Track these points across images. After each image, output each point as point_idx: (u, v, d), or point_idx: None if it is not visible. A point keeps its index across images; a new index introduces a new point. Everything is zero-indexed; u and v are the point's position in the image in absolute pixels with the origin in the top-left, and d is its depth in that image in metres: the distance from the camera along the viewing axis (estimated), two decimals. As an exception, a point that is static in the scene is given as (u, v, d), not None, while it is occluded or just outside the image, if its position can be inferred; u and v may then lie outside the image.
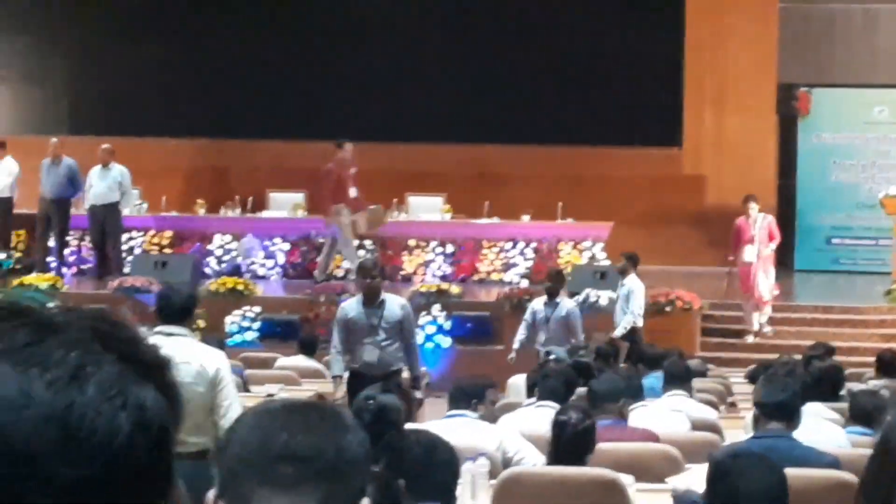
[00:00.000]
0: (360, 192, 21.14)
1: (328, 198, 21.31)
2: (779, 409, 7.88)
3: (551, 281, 17.81)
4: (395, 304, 13.54)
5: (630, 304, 18.17)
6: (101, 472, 1.36)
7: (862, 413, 9.91)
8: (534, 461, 8.34)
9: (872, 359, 18.37)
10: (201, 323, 19.75)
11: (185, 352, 8.74)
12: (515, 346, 17.78)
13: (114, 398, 1.38)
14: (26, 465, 1.33)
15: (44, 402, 1.34)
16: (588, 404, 9.26)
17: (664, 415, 10.13)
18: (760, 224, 20.58)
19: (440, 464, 5.82)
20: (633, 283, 18.46)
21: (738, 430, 10.03)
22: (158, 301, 9.87)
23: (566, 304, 17.57)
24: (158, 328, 9.43)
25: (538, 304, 17.67)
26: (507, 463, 8.36)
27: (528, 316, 17.80)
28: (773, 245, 20.79)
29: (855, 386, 11.86)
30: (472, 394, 9.35)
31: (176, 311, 9.46)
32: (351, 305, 13.71)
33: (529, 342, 17.56)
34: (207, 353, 9.29)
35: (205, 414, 8.77)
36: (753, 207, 20.68)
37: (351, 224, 21.05)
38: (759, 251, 20.32)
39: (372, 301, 13.30)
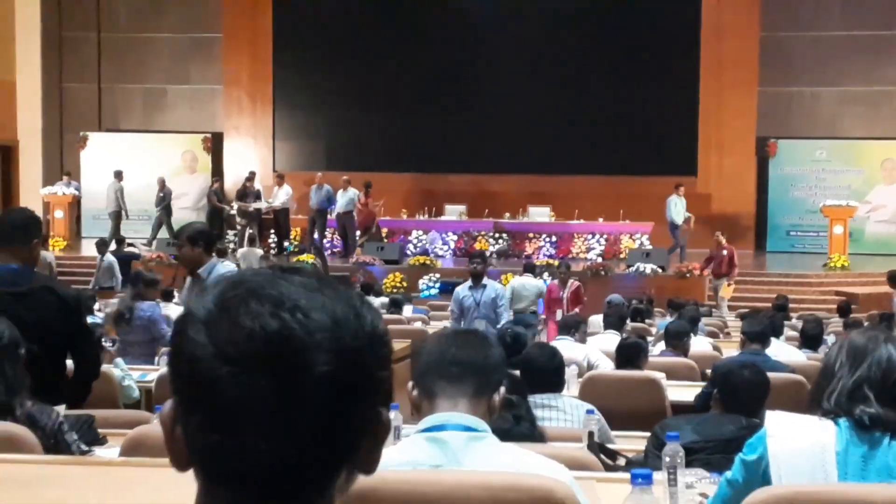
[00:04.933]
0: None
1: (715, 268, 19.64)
2: (757, 336, 7.82)
3: (478, 262, 11.56)
4: (492, 288, 11.06)
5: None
6: (389, 371, 1.29)
7: (809, 339, 9.82)
8: (605, 366, 8.37)
9: (817, 306, 18.23)
10: (405, 283, 20.05)
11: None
12: None
13: (381, 317, 1.30)
14: (360, 369, 1.24)
15: (363, 319, 1.26)
16: (665, 339, 9.31)
17: (699, 343, 10.12)
18: None
19: (556, 366, 5.90)
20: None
21: (730, 349, 9.94)
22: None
23: (493, 285, 11.62)
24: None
25: (463, 290, 11.50)
26: (591, 367, 8.40)
27: (454, 307, 11.60)
28: None
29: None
30: (572, 325, 9.44)
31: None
32: (462, 287, 11.32)
33: None
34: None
35: None
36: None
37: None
38: None
39: (476, 283, 11.05)
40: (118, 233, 22.82)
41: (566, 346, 8.28)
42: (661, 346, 9.46)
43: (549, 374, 5.83)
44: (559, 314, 14.24)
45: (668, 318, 12.12)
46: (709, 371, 7.80)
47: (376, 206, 22.59)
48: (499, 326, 10.66)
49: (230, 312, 1.22)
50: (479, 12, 25.07)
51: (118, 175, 23.85)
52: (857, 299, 18.21)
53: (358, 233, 22.59)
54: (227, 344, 1.20)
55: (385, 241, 22.71)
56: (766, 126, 24.94)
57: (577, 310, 14.17)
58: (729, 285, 19.33)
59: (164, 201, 23.91)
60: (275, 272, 1.28)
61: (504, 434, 3.17)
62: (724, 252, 19.36)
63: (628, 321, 11.72)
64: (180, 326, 1.26)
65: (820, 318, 11.71)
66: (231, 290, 1.25)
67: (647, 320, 13.53)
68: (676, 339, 9.01)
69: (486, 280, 11.45)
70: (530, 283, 15.15)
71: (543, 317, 14.85)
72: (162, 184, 23.99)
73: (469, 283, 11.43)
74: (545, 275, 18.11)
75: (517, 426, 4.31)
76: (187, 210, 25.91)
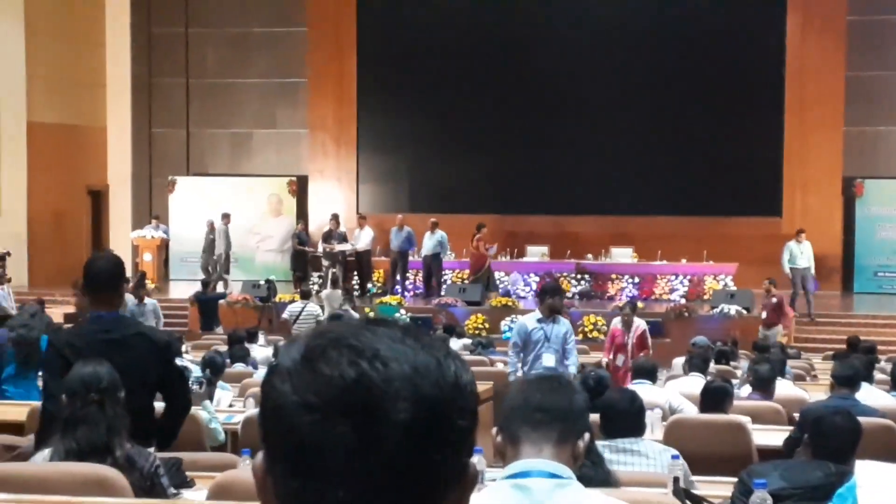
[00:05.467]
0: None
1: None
2: (847, 381, 7.70)
3: (557, 297, 10.78)
4: (563, 322, 10.46)
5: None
6: (472, 422, 1.28)
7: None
8: (689, 410, 8.28)
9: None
10: (487, 324, 20.05)
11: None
12: (511, 377, 10.41)
13: (466, 367, 1.31)
14: (438, 417, 1.24)
15: (445, 369, 1.27)
16: (751, 383, 9.15)
17: (785, 386, 9.92)
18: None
19: (637, 410, 5.85)
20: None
21: (818, 393, 9.78)
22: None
23: (563, 320, 10.69)
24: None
25: (531, 322, 10.51)
26: (673, 412, 8.31)
27: (517, 339, 10.59)
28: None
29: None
30: (650, 369, 9.35)
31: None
32: (529, 319, 10.58)
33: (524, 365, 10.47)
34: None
35: None
36: None
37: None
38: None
39: (548, 316, 10.37)
40: (227, 273, 23.27)
41: (646, 391, 8.22)
42: (747, 388, 9.33)
43: (630, 418, 5.79)
44: (620, 359, 13.17)
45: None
46: (796, 415, 7.69)
47: (487, 248, 22.32)
48: (568, 363, 10.33)
49: (312, 362, 1.25)
50: (560, 56, 25.08)
51: (225, 217, 24.05)
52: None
53: (442, 276, 22.66)
54: (308, 392, 1.23)
55: (467, 282, 22.70)
56: (851, 166, 24.63)
57: (642, 355, 12.67)
58: (785, 335, 18.33)
59: (214, 245, 23.99)
60: (361, 323, 1.31)
61: (587, 480, 3.17)
62: (774, 300, 18.65)
63: (712, 363, 11.58)
64: (268, 377, 1.29)
65: (910, 360, 11.47)
66: (315, 341, 1.28)
67: (731, 363, 13.36)
68: (765, 384, 8.87)
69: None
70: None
71: (605, 360, 13.87)
72: (211, 226, 24.06)
73: (537, 315, 10.60)
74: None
75: (596, 472, 4.28)
76: (272, 252, 26.24)
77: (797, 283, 20.72)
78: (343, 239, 23.08)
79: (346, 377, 1.23)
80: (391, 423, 1.22)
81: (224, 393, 9.18)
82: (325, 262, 22.95)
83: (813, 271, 21.19)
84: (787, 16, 24.71)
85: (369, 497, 1.23)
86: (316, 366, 1.25)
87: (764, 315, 18.73)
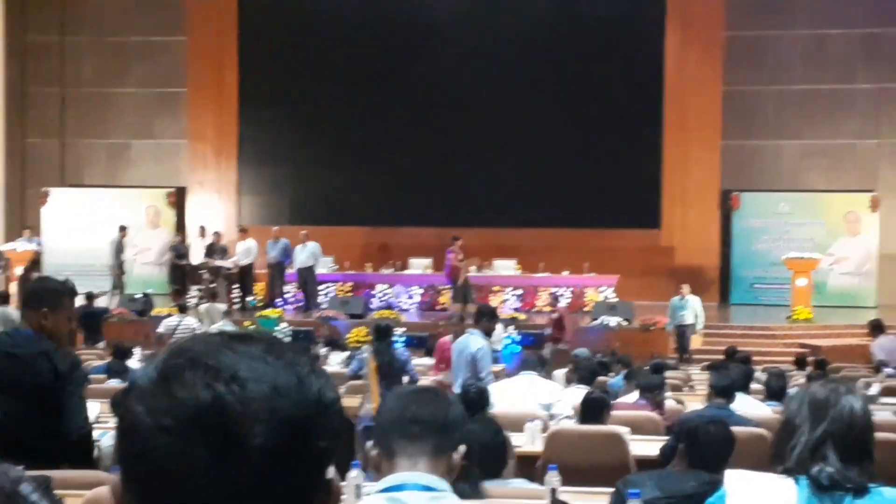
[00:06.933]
0: None
1: None
2: (722, 390, 7.82)
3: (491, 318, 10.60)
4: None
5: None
6: (334, 441, 1.26)
7: (773, 392, 9.84)
8: (566, 412, 8.35)
9: (781, 358, 18.18)
10: (370, 338, 19.94)
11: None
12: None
13: (331, 384, 1.27)
14: (298, 439, 1.21)
15: (307, 387, 1.23)
16: (639, 391, 9.21)
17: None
18: None
19: (500, 443, 5.18)
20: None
21: (695, 403, 9.92)
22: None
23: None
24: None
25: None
26: (552, 416, 8.39)
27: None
28: None
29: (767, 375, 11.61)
30: (535, 362, 9.47)
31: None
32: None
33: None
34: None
35: None
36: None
37: None
38: None
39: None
40: (119, 287, 22.69)
41: (529, 382, 8.25)
42: (635, 394, 9.44)
43: (489, 454, 5.00)
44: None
45: (620, 376, 11.95)
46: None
47: (461, 261, 21.43)
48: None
49: (168, 383, 1.21)
50: (444, 68, 25.18)
51: (122, 230, 23.47)
52: (821, 351, 18.28)
53: (317, 288, 22.55)
54: (163, 415, 1.19)
55: (350, 294, 22.63)
56: (729, 179, 25.14)
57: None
58: (564, 351, 17.07)
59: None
60: (223, 340, 1.26)
61: (461, 494, 3.15)
62: (555, 315, 18.34)
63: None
64: (124, 397, 1.25)
65: (783, 370, 11.71)
66: (173, 360, 1.24)
67: (610, 373, 13.49)
68: (649, 392, 8.97)
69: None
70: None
71: (437, 377, 12.51)
72: None
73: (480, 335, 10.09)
74: (511, 328, 18.27)
75: (472, 488, 4.25)
76: (149, 265, 25.79)
77: (679, 341, 19.52)
78: (224, 252, 22.81)
79: (202, 400, 1.19)
80: (247, 447, 1.18)
81: (91, 405, 8.97)
82: (206, 277, 22.64)
83: (700, 326, 19.81)
84: (665, 31, 25.15)
85: None
86: (171, 387, 1.21)
87: (548, 331, 18.77)
